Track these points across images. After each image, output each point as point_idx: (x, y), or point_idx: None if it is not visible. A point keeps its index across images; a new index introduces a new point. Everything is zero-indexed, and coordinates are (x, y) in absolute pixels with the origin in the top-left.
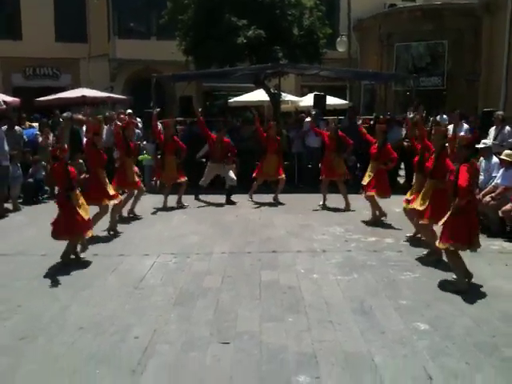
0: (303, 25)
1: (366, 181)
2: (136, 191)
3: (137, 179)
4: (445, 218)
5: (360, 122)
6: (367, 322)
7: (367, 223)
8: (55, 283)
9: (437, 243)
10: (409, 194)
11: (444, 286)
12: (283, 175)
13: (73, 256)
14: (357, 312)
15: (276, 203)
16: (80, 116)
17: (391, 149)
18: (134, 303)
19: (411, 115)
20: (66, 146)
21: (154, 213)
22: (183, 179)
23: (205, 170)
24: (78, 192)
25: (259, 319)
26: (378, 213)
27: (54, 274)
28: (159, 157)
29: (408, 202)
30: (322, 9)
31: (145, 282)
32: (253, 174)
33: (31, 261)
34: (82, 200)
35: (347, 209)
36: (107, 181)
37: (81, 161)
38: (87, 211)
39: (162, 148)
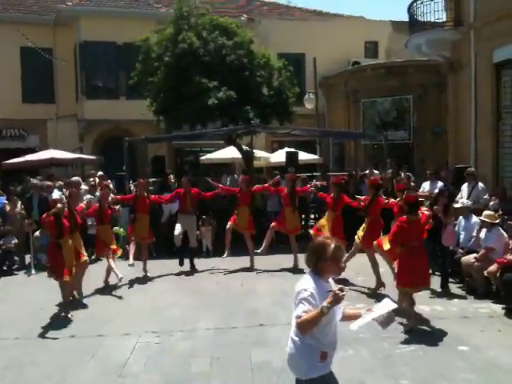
0: (272, 85)
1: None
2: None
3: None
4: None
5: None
6: None
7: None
8: (28, 375)
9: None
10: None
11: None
12: (253, 231)
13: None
14: None
15: (252, 268)
16: (48, 182)
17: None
18: None
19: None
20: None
21: (131, 282)
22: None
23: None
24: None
25: None
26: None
27: (26, 364)
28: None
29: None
30: (290, 69)
31: (127, 369)
32: None
33: (2, 346)
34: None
35: (295, 265)
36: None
37: None
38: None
39: (134, 206)
